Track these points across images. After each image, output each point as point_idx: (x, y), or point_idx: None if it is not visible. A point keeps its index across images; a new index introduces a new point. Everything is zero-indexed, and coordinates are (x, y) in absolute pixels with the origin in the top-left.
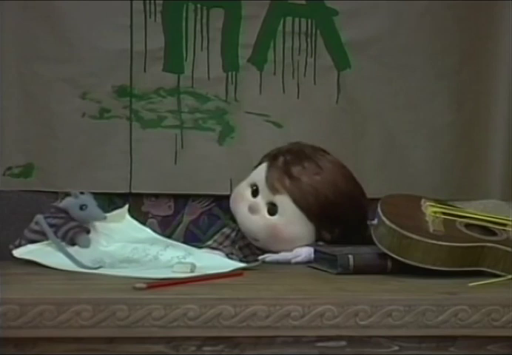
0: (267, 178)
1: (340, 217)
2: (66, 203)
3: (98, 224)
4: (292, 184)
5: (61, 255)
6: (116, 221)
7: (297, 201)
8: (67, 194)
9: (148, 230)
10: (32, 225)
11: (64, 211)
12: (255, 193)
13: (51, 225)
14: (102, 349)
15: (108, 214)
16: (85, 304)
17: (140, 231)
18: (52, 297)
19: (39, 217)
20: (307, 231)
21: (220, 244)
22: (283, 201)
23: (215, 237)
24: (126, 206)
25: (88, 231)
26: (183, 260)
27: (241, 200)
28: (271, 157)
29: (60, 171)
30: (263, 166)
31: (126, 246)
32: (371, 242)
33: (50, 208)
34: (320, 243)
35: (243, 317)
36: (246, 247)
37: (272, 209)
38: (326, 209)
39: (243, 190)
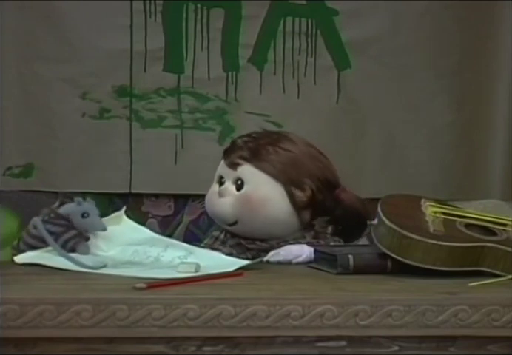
0: (227, 161)
1: (306, 172)
2: (67, 209)
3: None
4: (251, 154)
5: (62, 258)
6: (114, 224)
7: (258, 165)
8: (68, 197)
9: (146, 230)
10: (31, 229)
11: (64, 217)
12: (223, 184)
13: (51, 233)
14: (102, 349)
15: (105, 218)
16: (85, 304)
17: (138, 231)
18: (52, 297)
19: (37, 221)
20: (277, 191)
21: (210, 247)
22: (245, 170)
23: (205, 241)
24: (123, 209)
25: (87, 239)
26: (185, 260)
27: (212, 195)
28: (228, 147)
29: (60, 171)
30: (223, 158)
31: (126, 250)
32: (350, 210)
33: (50, 212)
34: (321, 242)
35: (243, 317)
36: (236, 245)
37: (240, 185)
38: (288, 165)
39: (212, 187)
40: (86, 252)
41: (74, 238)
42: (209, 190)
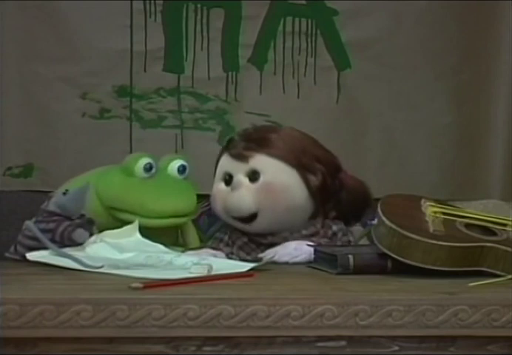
0: (234, 155)
1: (314, 156)
2: (53, 199)
3: (109, 239)
4: (259, 144)
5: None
6: (127, 236)
7: (270, 153)
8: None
9: (160, 246)
10: (26, 232)
11: (55, 213)
12: (229, 181)
13: (47, 231)
14: (102, 349)
15: (118, 230)
16: (85, 304)
17: (152, 246)
18: (52, 297)
19: (29, 224)
20: (293, 177)
21: (215, 249)
22: (259, 160)
23: (209, 243)
24: (137, 222)
25: (82, 226)
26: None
27: (219, 193)
28: (226, 144)
29: (60, 171)
30: (223, 156)
31: (139, 255)
32: (353, 193)
33: (42, 212)
34: (322, 241)
35: (243, 317)
36: (245, 245)
37: (253, 176)
38: (297, 150)
39: (217, 186)
40: (84, 239)
41: (67, 228)
42: (212, 189)
